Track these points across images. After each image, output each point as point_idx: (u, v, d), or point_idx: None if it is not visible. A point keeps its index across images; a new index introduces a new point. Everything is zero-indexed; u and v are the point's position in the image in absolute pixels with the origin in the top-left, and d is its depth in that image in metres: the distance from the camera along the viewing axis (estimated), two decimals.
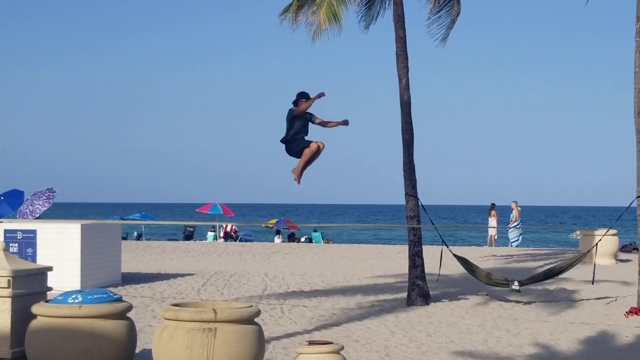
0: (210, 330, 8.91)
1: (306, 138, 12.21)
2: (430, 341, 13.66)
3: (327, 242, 40.04)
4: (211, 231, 43.74)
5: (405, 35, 18.21)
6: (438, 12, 19.73)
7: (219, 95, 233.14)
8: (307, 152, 12.05)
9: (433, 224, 18.65)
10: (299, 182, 12.26)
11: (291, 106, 12.21)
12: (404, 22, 18.23)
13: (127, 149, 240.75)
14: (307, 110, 12.13)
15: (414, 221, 17.67)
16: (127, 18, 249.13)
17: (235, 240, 41.66)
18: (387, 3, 19.86)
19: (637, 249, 18.14)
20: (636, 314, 15.99)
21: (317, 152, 12.11)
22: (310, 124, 12.24)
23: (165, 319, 9.25)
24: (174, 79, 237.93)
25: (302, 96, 12.07)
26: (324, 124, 12.24)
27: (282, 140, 12.27)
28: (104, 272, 19.50)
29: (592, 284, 18.51)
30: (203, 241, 41.53)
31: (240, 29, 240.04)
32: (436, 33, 19.87)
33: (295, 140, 12.15)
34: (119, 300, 9.95)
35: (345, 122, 12.21)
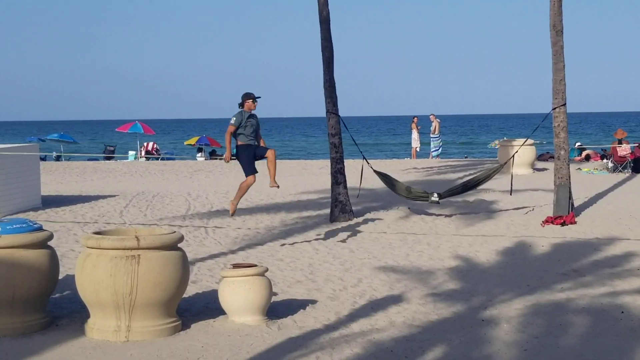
0: (134, 257, 8.88)
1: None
2: (354, 257, 13.88)
3: None
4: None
5: None
6: None
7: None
8: (270, 166, 13.54)
9: (355, 143, 18.80)
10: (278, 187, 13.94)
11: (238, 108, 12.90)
12: None
13: (41, 62, 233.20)
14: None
15: (336, 138, 17.73)
16: None
17: (157, 159, 41.31)
18: None
19: (553, 158, 18.59)
20: (552, 223, 16.47)
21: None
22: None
23: (88, 247, 9.19)
24: None
25: (248, 97, 12.85)
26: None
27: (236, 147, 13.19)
28: (23, 196, 19.20)
29: (510, 194, 18.97)
30: (124, 160, 41.07)
31: None
32: None
33: (249, 147, 13.29)
34: (40, 229, 9.81)
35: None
